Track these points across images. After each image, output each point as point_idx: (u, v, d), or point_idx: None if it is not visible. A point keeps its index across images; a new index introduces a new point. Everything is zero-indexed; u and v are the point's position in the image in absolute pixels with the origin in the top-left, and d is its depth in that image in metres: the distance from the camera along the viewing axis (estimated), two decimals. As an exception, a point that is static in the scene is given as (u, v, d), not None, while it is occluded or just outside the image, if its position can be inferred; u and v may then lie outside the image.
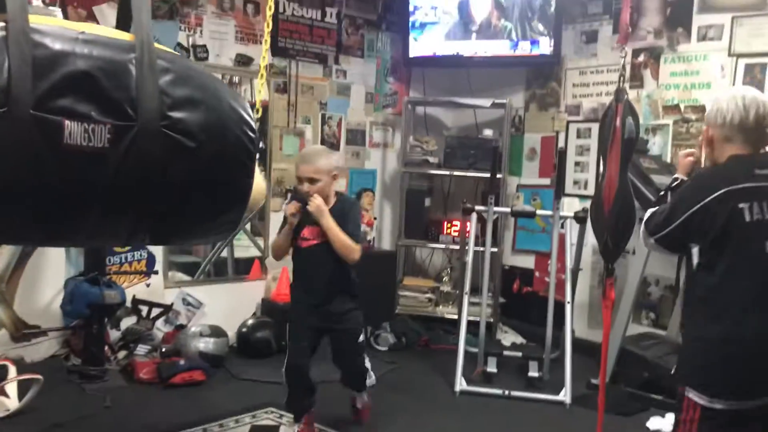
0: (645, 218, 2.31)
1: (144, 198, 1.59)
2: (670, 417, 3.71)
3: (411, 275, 5.74)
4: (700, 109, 4.55)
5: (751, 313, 2.10)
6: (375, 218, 5.58)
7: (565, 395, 3.98)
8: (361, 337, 3.51)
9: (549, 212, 4.49)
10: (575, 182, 5.30)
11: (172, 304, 4.59)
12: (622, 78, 2.66)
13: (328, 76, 5.31)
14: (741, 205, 2.10)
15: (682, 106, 4.66)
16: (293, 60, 5.08)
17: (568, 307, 4.24)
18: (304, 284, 3.38)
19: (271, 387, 3.99)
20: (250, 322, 4.68)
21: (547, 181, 5.44)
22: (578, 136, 5.30)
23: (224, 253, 5.14)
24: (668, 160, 4.68)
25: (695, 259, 2.17)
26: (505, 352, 4.64)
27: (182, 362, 4.04)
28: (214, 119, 1.64)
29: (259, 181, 1.90)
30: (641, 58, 4.80)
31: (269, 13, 2.73)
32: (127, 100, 1.53)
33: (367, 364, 3.51)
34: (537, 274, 5.52)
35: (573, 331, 4.39)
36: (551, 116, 5.44)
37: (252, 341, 4.57)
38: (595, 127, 5.17)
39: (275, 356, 4.54)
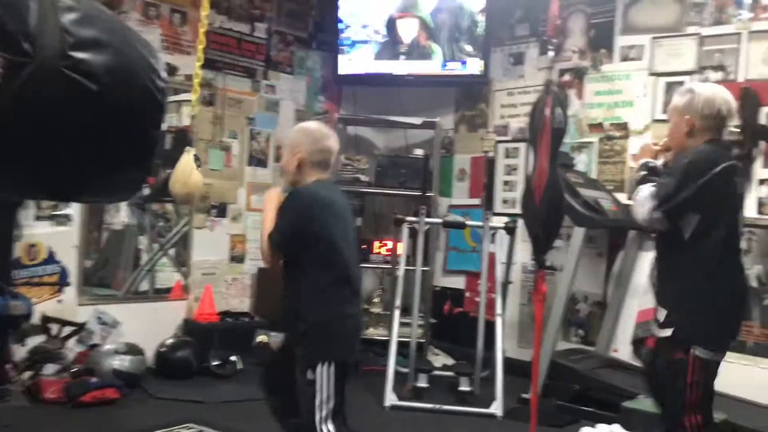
0: (647, 195, 2.50)
1: (40, 143, 1.44)
2: (601, 428, 3.70)
3: (341, 297, 5.59)
4: (623, 126, 4.66)
5: (740, 273, 2.55)
6: (304, 238, 5.44)
7: (496, 408, 3.90)
8: (308, 374, 2.44)
9: (479, 223, 4.47)
10: (504, 201, 5.32)
11: (85, 322, 4.32)
12: (550, 71, 2.67)
13: (256, 91, 5.21)
14: (735, 179, 2.47)
15: (606, 124, 4.77)
16: (220, 72, 4.97)
17: (498, 320, 4.20)
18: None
19: (192, 405, 3.79)
20: (169, 341, 4.44)
21: (477, 201, 5.45)
22: (507, 156, 5.35)
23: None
24: (594, 175, 4.76)
25: (691, 229, 2.43)
26: (436, 372, 4.55)
27: (94, 380, 3.77)
28: (120, 64, 1.52)
29: (195, 174, 1.78)
30: (566, 78, 4.90)
31: (202, 30, 2.65)
32: (24, 34, 1.40)
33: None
34: (468, 294, 5.48)
35: (504, 351, 4.35)
36: (480, 137, 5.48)
37: (171, 361, 4.33)
38: (521, 147, 5.24)
39: (196, 377, 4.33)
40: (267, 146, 5.31)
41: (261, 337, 4.83)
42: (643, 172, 2.66)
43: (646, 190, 2.51)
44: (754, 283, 4.13)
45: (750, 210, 4.15)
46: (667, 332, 2.52)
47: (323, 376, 2.40)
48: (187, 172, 3.08)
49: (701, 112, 2.47)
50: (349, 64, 5.40)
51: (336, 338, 2.48)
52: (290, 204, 2.50)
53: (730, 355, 4.15)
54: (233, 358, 4.49)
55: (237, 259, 5.17)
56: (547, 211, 2.56)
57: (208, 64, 4.88)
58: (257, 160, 5.26)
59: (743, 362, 4.14)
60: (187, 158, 3.10)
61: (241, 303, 5.17)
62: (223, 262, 5.08)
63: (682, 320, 2.48)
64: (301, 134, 2.63)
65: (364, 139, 5.84)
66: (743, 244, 4.17)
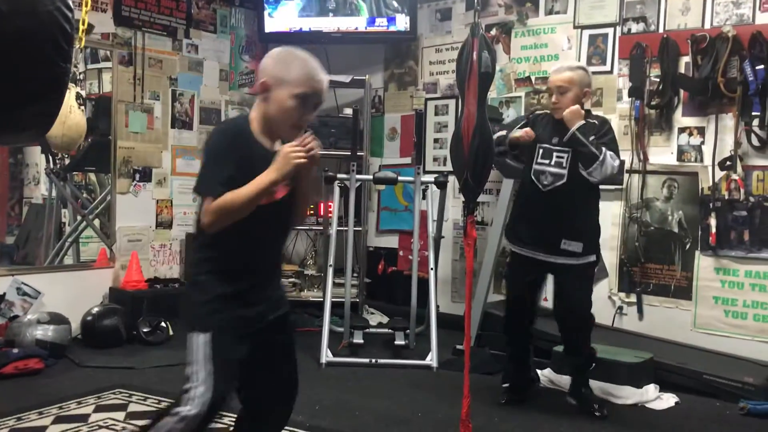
0: (611, 155, 3.11)
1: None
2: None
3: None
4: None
5: None
6: (233, 202, 5.32)
7: (431, 359, 3.93)
8: None
9: (410, 178, 4.46)
10: (435, 159, 5.33)
11: (4, 294, 4.12)
12: (477, 13, 2.66)
13: (178, 51, 5.03)
14: None
15: (533, 78, 4.81)
16: (139, 31, 4.76)
17: (431, 273, 4.22)
18: None
19: (121, 372, 3.68)
20: (96, 310, 4.29)
21: (408, 160, 5.43)
22: (436, 114, 5.35)
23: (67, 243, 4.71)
24: (522, 130, 4.80)
25: None
26: (371, 329, 4.56)
27: (15, 351, 3.61)
28: (21, -13, 1.40)
29: (76, 114, 1.67)
30: (493, 33, 4.91)
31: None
32: None
33: None
34: (401, 253, 5.49)
35: (438, 306, 4.38)
36: (410, 95, 5.45)
37: (98, 329, 4.19)
38: (451, 103, 5.25)
39: (125, 345, 4.21)
40: (191, 108, 5.15)
41: (192, 303, 4.72)
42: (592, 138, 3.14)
43: (607, 152, 3.08)
44: (675, 229, 4.28)
45: (670, 158, 4.28)
46: (592, 257, 3.26)
47: None
48: (64, 112, 2.86)
49: (588, 85, 3.23)
50: (273, 21, 5.26)
51: None
52: None
53: (653, 299, 4.36)
54: (163, 324, 4.38)
55: (164, 224, 5.02)
56: (476, 155, 2.56)
57: (125, 22, 4.68)
58: (181, 122, 5.09)
59: (666, 305, 4.30)
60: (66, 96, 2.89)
61: (171, 269, 5.04)
62: (149, 228, 4.93)
63: (595, 246, 3.28)
64: None
65: (292, 99, 5.72)
66: (666, 191, 4.33)
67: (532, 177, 3.22)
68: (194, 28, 5.13)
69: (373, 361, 3.94)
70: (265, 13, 5.24)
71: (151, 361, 3.91)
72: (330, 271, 4.25)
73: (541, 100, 4.77)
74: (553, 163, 3.17)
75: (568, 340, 3.37)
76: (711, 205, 4.10)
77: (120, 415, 3.04)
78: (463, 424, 2.73)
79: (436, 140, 5.33)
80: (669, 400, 3.42)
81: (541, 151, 3.20)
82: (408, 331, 4.38)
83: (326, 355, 3.92)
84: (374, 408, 3.24)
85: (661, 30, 4.29)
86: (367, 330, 4.44)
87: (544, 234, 3.19)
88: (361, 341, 4.23)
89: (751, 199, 4.01)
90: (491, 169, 2.72)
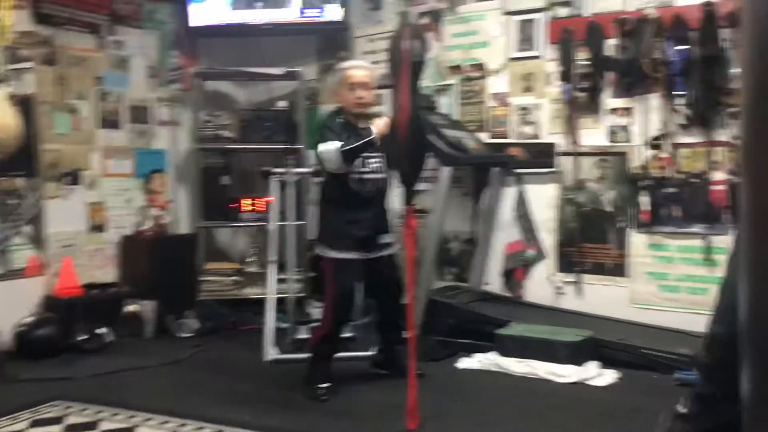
0: None
1: None
2: (477, 356, 3.84)
3: (214, 259, 5.44)
4: (481, 67, 4.76)
5: None
6: (169, 201, 5.22)
7: (376, 350, 3.93)
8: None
9: (348, 170, 4.43)
10: (373, 149, 5.31)
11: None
12: (408, 2, 2.65)
13: (102, 48, 4.86)
14: None
15: (464, 66, 4.84)
16: (60, 29, 4.58)
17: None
18: None
19: (59, 383, 3.56)
20: (28, 320, 4.13)
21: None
22: (372, 104, 5.32)
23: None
24: (456, 117, 4.84)
25: None
26: (316, 323, 4.52)
27: (-57, 369, 3.45)
28: None
29: (7, 117, 1.58)
30: (424, 21, 4.91)
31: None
32: None
33: None
34: (343, 245, 5.46)
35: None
36: (344, 85, 5.41)
37: (32, 340, 4.04)
38: (388, 93, 5.22)
39: (62, 355, 4.08)
40: (119, 107, 4.99)
41: (131, 307, 4.61)
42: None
43: None
44: (608, 209, 4.40)
45: (601, 139, 4.39)
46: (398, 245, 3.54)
47: None
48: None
49: None
50: (202, 15, 5.14)
51: None
52: None
53: (591, 278, 4.47)
54: (102, 330, 4.25)
55: (97, 228, 4.86)
56: (412, 145, 2.56)
57: (45, 20, 4.49)
58: (110, 122, 4.94)
59: (603, 282, 4.42)
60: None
61: (106, 274, 4.89)
62: (81, 232, 4.77)
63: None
64: None
65: (223, 93, 5.63)
66: (598, 172, 4.44)
67: (352, 185, 3.30)
68: (119, 24, 4.97)
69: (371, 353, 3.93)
70: (192, 6, 5.11)
71: (90, 369, 3.79)
72: (272, 267, 4.20)
73: (473, 88, 4.81)
74: (371, 169, 3.33)
75: (392, 316, 3.57)
76: (641, 183, 4.22)
77: (57, 429, 2.95)
78: (410, 413, 2.75)
79: (372, 130, 5.31)
80: (610, 375, 3.52)
81: (360, 159, 3.28)
82: (354, 323, 4.37)
83: (271, 353, 3.88)
84: (322, 404, 3.23)
85: (586, 14, 4.38)
86: (312, 325, 4.41)
87: (368, 236, 3.36)
88: (306, 336, 4.19)
89: (679, 176, 4.14)
90: (428, 158, 2.73)
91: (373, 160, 3.36)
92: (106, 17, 4.87)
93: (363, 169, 3.33)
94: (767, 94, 1.10)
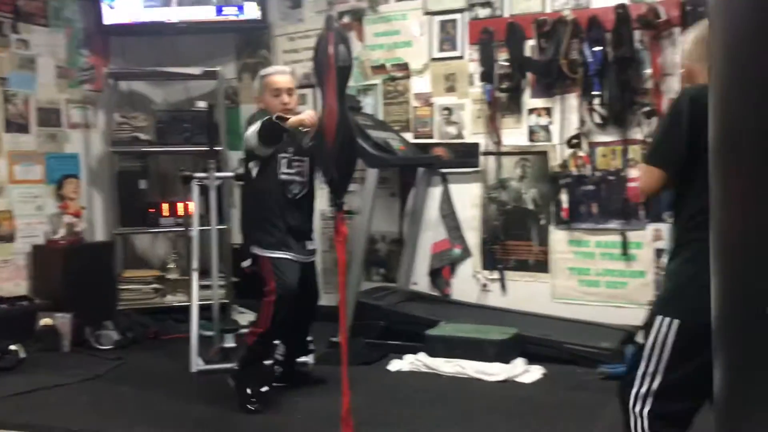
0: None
1: None
2: (408, 358, 3.85)
3: (132, 266, 5.25)
4: (404, 66, 4.76)
5: None
6: (83, 207, 4.98)
7: (308, 356, 3.89)
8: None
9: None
10: (296, 150, 5.24)
11: None
12: (331, 5, 2.60)
13: (5, 47, 4.59)
14: None
15: (388, 66, 4.84)
16: (-42, 27, 4.31)
17: (302, 269, 4.15)
18: None
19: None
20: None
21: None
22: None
23: None
24: (381, 117, 4.84)
25: None
26: (243, 330, 4.43)
27: None
28: None
29: None
30: (345, 20, 4.88)
31: None
32: None
33: None
34: (268, 247, 5.38)
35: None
36: (265, 85, 5.31)
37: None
38: (309, 93, 5.17)
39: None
40: (27, 109, 4.73)
41: (45, 320, 4.39)
42: None
43: None
44: (530, 206, 4.49)
45: (522, 138, 4.47)
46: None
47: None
48: None
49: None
50: (114, 12, 4.93)
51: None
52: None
53: (514, 274, 4.56)
54: (13, 347, 4.02)
55: (5, 238, 4.60)
56: (341, 152, 2.52)
57: (-60, 17, 4.21)
58: (17, 125, 4.68)
59: (526, 279, 4.51)
60: None
61: (17, 286, 4.64)
62: (-13, 243, 4.51)
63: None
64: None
65: (139, 94, 5.42)
66: (519, 171, 4.52)
67: (279, 186, 3.28)
68: (23, 22, 4.70)
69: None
70: (104, 4, 4.90)
71: (2, 389, 3.57)
72: (195, 276, 4.08)
73: (397, 87, 4.81)
74: (296, 172, 3.32)
75: (304, 327, 3.61)
76: (561, 181, 4.33)
77: (-30, 457, 2.77)
78: (344, 422, 2.72)
79: (295, 131, 5.23)
80: (536, 372, 3.60)
81: (284, 161, 3.28)
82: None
83: (197, 363, 3.77)
84: (252, 416, 3.15)
85: (506, 14, 4.44)
86: (239, 332, 4.32)
87: (295, 239, 3.34)
88: (233, 344, 4.10)
89: (597, 174, 4.27)
90: (356, 164, 2.70)
91: (297, 163, 3.32)
92: (8, 15, 4.60)
93: (288, 171, 3.29)
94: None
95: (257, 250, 3.30)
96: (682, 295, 1.84)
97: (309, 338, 3.78)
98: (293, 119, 3.14)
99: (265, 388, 3.30)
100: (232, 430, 3.01)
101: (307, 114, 3.21)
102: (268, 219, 3.30)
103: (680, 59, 2.03)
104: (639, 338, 1.95)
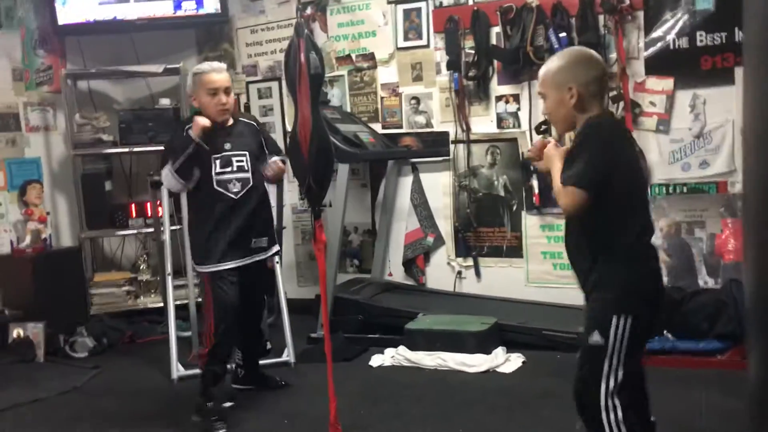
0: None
1: None
2: (389, 352, 3.87)
3: (102, 270, 5.16)
4: (370, 56, 4.72)
5: None
6: (48, 213, 4.87)
7: (288, 355, 3.89)
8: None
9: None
10: (264, 144, 5.18)
11: None
12: (299, 11, 2.56)
13: (-43, 51, 4.44)
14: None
15: (353, 56, 4.79)
16: None
17: (277, 267, 4.13)
18: None
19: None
20: None
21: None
22: (260, 97, 5.19)
23: None
24: (348, 109, 4.80)
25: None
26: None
27: None
28: None
29: None
30: (309, 11, 4.80)
31: None
32: None
33: None
34: (240, 243, 5.33)
35: (285, 292, 4.31)
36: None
37: None
38: (274, 86, 5.11)
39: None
40: (-17, 114, 4.59)
41: (17, 331, 4.31)
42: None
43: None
44: (502, 193, 4.52)
45: (491, 126, 4.48)
46: (277, 247, 3.51)
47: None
48: None
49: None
50: (68, 11, 4.79)
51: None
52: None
53: (489, 260, 4.59)
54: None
55: (-31, 247, 4.49)
56: (316, 160, 2.51)
57: None
58: (-27, 132, 4.54)
59: (501, 265, 4.55)
60: None
61: (-17, 294, 4.54)
62: (-49, 255, 4.40)
63: (275, 236, 3.57)
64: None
65: (100, 93, 5.29)
66: (489, 158, 4.53)
67: (217, 188, 3.10)
68: (-27, 24, 4.55)
69: (230, 367, 3.81)
70: (57, 2, 4.75)
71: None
72: (169, 279, 4.02)
73: (363, 77, 4.77)
74: (235, 169, 3.14)
75: (256, 325, 3.56)
76: (532, 167, 4.35)
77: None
78: (332, 427, 2.73)
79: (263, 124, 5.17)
80: (516, 360, 3.65)
81: (218, 161, 3.10)
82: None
83: (177, 369, 3.73)
84: (239, 424, 3.14)
85: (471, 2, 4.42)
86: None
87: (240, 240, 3.16)
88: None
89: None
90: (333, 170, 2.68)
91: (236, 158, 3.15)
92: (-42, 18, 4.45)
93: (224, 170, 3.11)
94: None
95: (197, 267, 3.23)
96: (633, 294, 2.03)
97: (265, 338, 3.83)
98: (194, 132, 3.03)
99: (229, 404, 3.27)
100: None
101: (201, 120, 3.07)
102: (205, 231, 3.13)
103: (543, 86, 2.14)
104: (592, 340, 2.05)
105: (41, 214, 4.74)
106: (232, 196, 3.12)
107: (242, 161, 3.17)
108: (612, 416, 2.00)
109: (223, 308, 3.11)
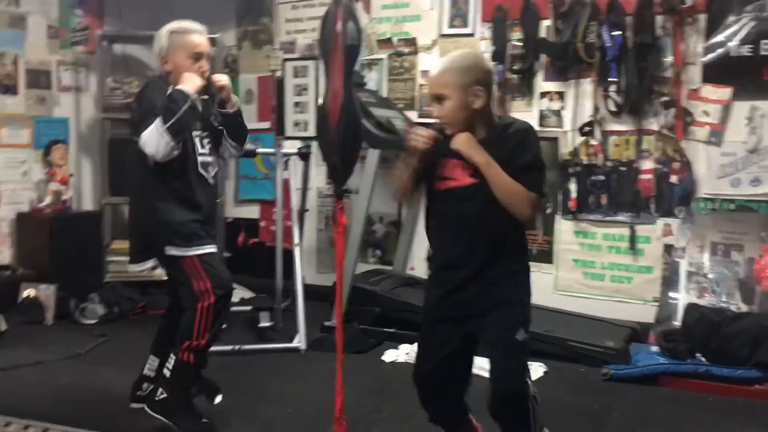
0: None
1: None
2: (404, 348, 3.71)
3: (121, 238, 5.07)
4: (412, 42, 4.55)
5: None
6: (71, 175, 4.80)
7: (299, 341, 3.75)
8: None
9: (271, 150, 4.18)
10: (296, 124, 5.00)
11: None
12: (338, -21, 2.40)
13: (-7, 3, 4.37)
14: None
15: (395, 40, 4.62)
16: (-57, -20, 4.08)
17: (296, 250, 4.01)
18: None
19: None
20: None
21: (267, 124, 5.12)
22: (296, 75, 5.03)
23: None
24: (385, 94, 4.64)
25: None
26: (233, 308, 4.28)
27: None
28: None
29: None
30: (353, -10, 4.65)
31: None
32: None
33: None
34: (263, 223, 5.22)
35: (303, 278, 4.18)
36: (266, 54, 5.11)
37: None
38: (311, 65, 4.96)
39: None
40: (15, 70, 4.52)
41: (28, 291, 4.23)
42: None
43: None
44: (537, 194, 4.31)
45: (532, 122, 4.26)
46: None
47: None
48: None
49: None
50: (109, -29, 4.70)
51: None
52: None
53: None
54: (-7, 318, 3.88)
55: (-11, 204, 4.44)
56: (344, 137, 2.34)
57: (-76, -32, 3.98)
58: (4, 86, 4.47)
59: (529, 269, 4.35)
60: None
61: (0, 254, 4.48)
62: (-30, 209, 4.34)
63: None
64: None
65: (134, 58, 5.20)
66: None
67: (201, 171, 2.75)
68: (13, -22, 4.48)
69: (237, 348, 3.69)
70: (99, -39, 4.66)
71: (-20, 364, 3.43)
72: (185, 251, 3.90)
73: (403, 63, 4.60)
74: (209, 151, 2.81)
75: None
76: (571, 169, 4.15)
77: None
78: (337, 421, 2.58)
79: (296, 104, 5.02)
80: (537, 370, 3.45)
81: (197, 140, 2.75)
82: (274, 308, 4.17)
83: (185, 345, 3.61)
84: (238, 406, 3.01)
85: (521, -8, 4.23)
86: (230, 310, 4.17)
87: (210, 227, 2.83)
88: (224, 325, 3.95)
89: (609, 163, 4.10)
90: (360, 150, 2.51)
91: (207, 140, 2.80)
92: (-2, -31, 4.38)
93: (203, 151, 2.76)
94: None
95: (175, 251, 2.66)
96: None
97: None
98: (191, 88, 2.60)
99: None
100: (222, 420, 2.85)
101: (221, 77, 2.79)
102: (185, 209, 2.70)
103: (445, 88, 2.11)
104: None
105: (64, 176, 4.66)
106: (211, 182, 2.81)
107: (212, 142, 2.83)
108: (534, 404, 2.12)
109: (226, 292, 2.77)
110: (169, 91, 2.60)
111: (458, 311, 2.19)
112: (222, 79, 2.79)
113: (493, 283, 2.13)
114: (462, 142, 2.08)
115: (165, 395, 2.69)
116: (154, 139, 2.52)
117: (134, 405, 2.90)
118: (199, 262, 2.68)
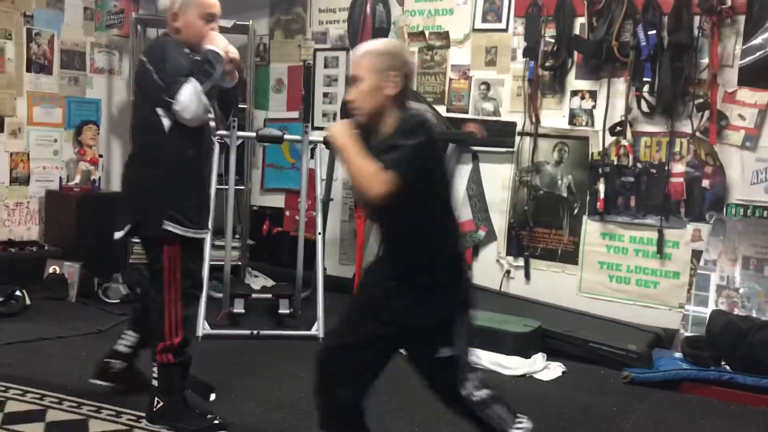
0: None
1: None
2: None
3: (148, 220, 5.12)
4: (444, 35, 4.51)
5: None
6: (101, 156, 4.85)
7: (317, 329, 3.74)
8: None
9: (297, 137, 4.17)
10: (324, 114, 5.05)
11: None
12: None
13: (33, -17, 4.44)
14: None
15: (426, 33, 4.59)
16: (-16, -42, 4.15)
17: (319, 238, 4.00)
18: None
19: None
20: (-64, 278, 3.77)
21: (296, 114, 5.12)
22: (326, 66, 5.04)
23: None
24: (414, 87, 4.61)
25: None
26: (254, 294, 4.29)
27: None
28: None
29: None
30: (387, -19, 4.63)
31: None
32: None
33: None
34: (287, 213, 5.23)
35: (325, 268, 4.17)
36: (297, 44, 5.11)
37: (-61, 301, 3.69)
38: (342, 56, 4.96)
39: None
40: (51, 50, 4.58)
41: (53, 268, 4.29)
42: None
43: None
44: (564, 194, 4.26)
45: (562, 121, 4.22)
46: None
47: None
48: None
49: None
50: (146, -45, 4.74)
51: None
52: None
53: (540, 263, 4.34)
54: (19, 293, 3.93)
55: (20, 180, 4.49)
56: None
57: (-34, -54, 4.06)
58: (39, 65, 4.53)
59: (553, 269, 4.30)
60: None
61: (28, 230, 4.54)
62: (2, 184, 4.39)
63: None
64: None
65: (167, 44, 5.24)
66: (556, 155, 4.29)
67: (209, 144, 2.70)
68: (52, -42, 4.54)
69: (255, 332, 3.70)
70: (137, -55, 4.71)
71: (5, 335, 3.48)
72: (207, 237, 3.91)
73: (434, 57, 4.57)
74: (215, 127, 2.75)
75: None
76: (600, 170, 4.09)
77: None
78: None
79: (325, 94, 5.03)
80: (556, 369, 3.41)
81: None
82: (294, 297, 4.16)
83: (203, 327, 3.64)
84: (254, 390, 3.00)
85: (558, -11, 4.17)
86: (251, 296, 4.18)
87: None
88: (242, 311, 3.97)
89: (639, 165, 4.02)
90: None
91: (211, 115, 2.64)
92: (38, -51, 4.44)
93: (212, 117, 2.62)
94: None
95: (173, 228, 2.48)
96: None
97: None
98: (225, 45, 2.51)
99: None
100: (227, 403, 2.85)
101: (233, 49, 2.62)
102: (195, 184, 2.59)
103: (360, 68, 1.98)
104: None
105: (93, 156, 4.71)
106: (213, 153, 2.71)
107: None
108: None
109: (199, 286, 2.72)
110: (201, 52, 2.48)
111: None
112: (235, 51, 2.67)
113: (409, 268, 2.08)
114: (334, 129, 1.98)
115: (162, 404, 2.59)
116: (195, 102, 2.39)
117: (94, 381, 2.79)
118: (183, 255, 2.53)
